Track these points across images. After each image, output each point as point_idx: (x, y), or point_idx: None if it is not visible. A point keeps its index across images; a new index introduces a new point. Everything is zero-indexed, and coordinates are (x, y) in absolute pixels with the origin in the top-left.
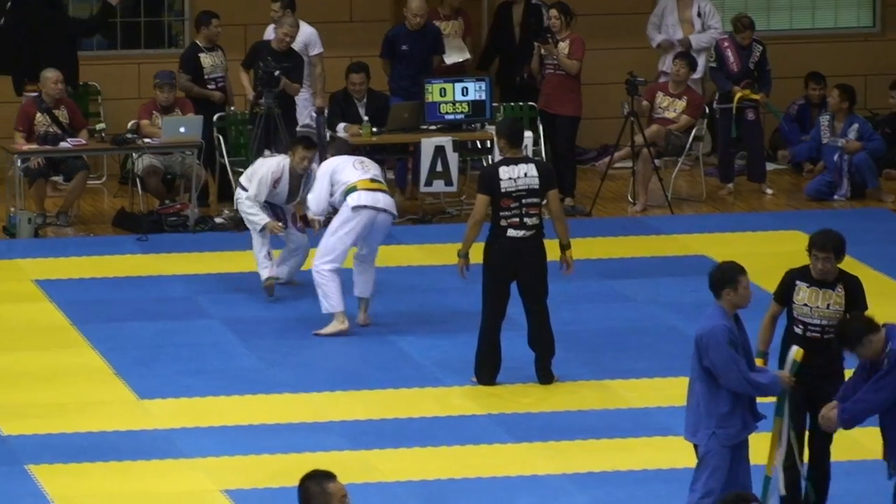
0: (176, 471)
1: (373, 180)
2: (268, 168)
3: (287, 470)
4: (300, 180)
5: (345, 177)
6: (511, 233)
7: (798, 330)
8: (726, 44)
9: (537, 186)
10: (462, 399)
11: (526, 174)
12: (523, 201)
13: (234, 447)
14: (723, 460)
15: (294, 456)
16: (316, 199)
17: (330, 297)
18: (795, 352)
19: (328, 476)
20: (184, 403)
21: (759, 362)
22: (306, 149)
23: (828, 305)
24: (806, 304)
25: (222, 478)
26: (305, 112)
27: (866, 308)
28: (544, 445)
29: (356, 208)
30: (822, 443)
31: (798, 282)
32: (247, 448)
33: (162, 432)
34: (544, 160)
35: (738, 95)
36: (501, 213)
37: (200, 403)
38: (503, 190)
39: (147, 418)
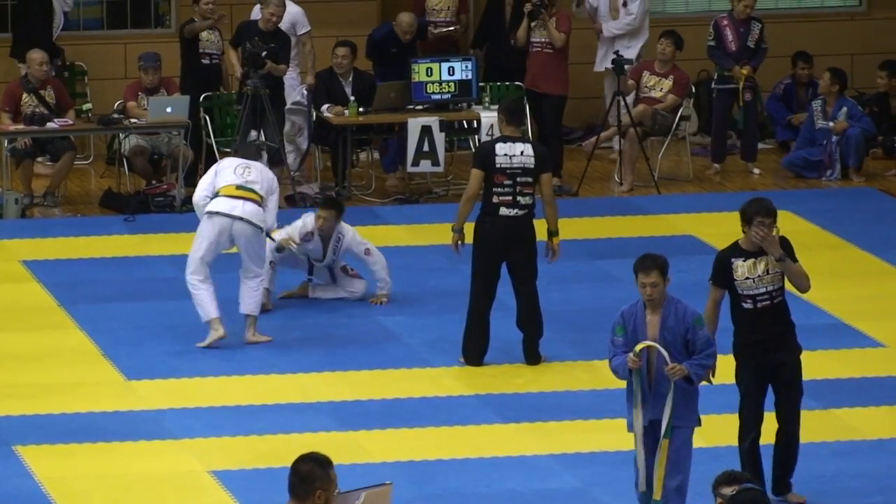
0: (163, 451)
1: (239, 187)
2: (302, 220)
3: (274, 450)
4: (328, 241)
5: (220, 180)
6: (503, 211)
7: (748, 305)
8: (725, 22)
9: (532, 166)
10: (450, 380)
11: (522, 153)
12: (517, 179)
13: (222, 428)
14: (639, 446)
15: (281, 436)
16: (198, 188)
17: (201, 306)
18: (639, 345)
19: (330, 462)
20: (171, 384)
21: None
22: (323, 208)
23: (767, 271)
24: (748, 278)
25: (209, 458)
26: (294, 92)
27: (795, 261)
28: (532, 426)
29: (209, 214)
30: (790, 411)
31: (733, 260)
32: (234, 429)
33: (149, 413)
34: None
35: (744, 74)
36: (494, 190)
37: (188, 384)
38: (498, 165)
39: (134, 399)
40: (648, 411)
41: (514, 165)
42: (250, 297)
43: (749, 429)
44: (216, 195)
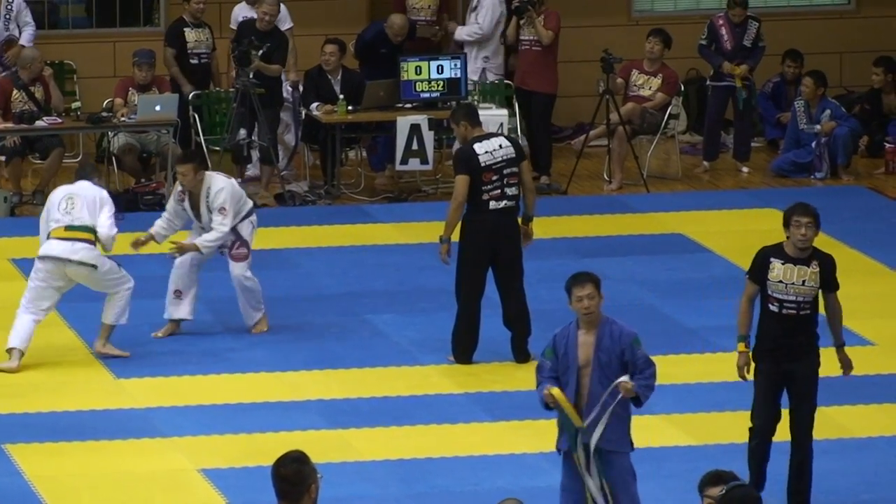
0: (153, 450)
1: (68, 228)
2: (177, 182)
3: (264, 449)
4: (197, 199)
5: (50, 219)
6: (493, 205)
7: (773, 308)
8: (720, 21)
9: (514, 155)
10: (439, 378)
11: (501, 146)
12: (504, 171)
13: (211, 426)
14: (563, 469)
15: (271, 435)
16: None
17: (13, 330)
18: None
19: (307, 455)
20: (160, 382)
21: (741, 346)
22: (180, 163)
23: (803, 282)
24: (781, 281)
25: (199, 457)
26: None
27: (837, 287)
28: (521, 424)
29: (41, 258)
30: (802, 425)
31: (772, 259)
32: (223, 427)
33: (139, 411)
34: (518, 136)
35: (736, 72)
36: (483, 188)
37: (177, 382)
38: (484, 164)
39: (124, 397)
40: (586, 436)
41: (499, 159)
42: (110, 308)
43: (756, 433)
44: (48, 236)
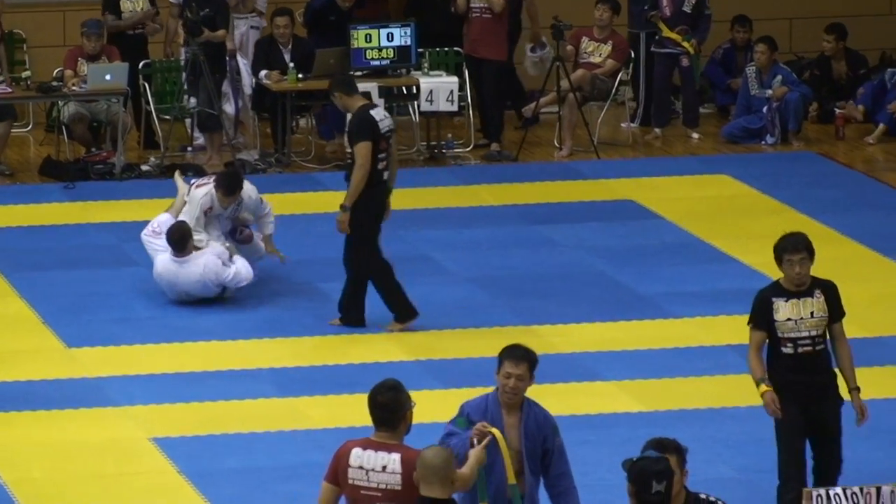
0: (104, 419)
1: None
2: (198, 201)
3: (215, 417)
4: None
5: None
6: (385, 175)
7: (787, 349)
8: None
9: (394, 126)
10: (389, 345)
11: (386, 115)
12: (390, 141)
13: (163, 395)
14: None
15: (222, 403)
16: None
17: None
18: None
19: (399, 382)
20: (112, 352)
21: (763, 388)
22: (224, 195)
23: (811, 314)
24: (790, 319)
25: (150, 426)
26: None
27: (843, 314)
28: (473, 391)
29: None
30: (833, 470)
31: (774, 299)
32: (175, 396)
33: (90, 381)
34: (468, 105)
35: (676, 39)
36: (379, 157)
37: (128, 352)
38: (382, 131)
39: (75, 367)
40: None
41: (386, 129)
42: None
43: (791, 485)
44: None
